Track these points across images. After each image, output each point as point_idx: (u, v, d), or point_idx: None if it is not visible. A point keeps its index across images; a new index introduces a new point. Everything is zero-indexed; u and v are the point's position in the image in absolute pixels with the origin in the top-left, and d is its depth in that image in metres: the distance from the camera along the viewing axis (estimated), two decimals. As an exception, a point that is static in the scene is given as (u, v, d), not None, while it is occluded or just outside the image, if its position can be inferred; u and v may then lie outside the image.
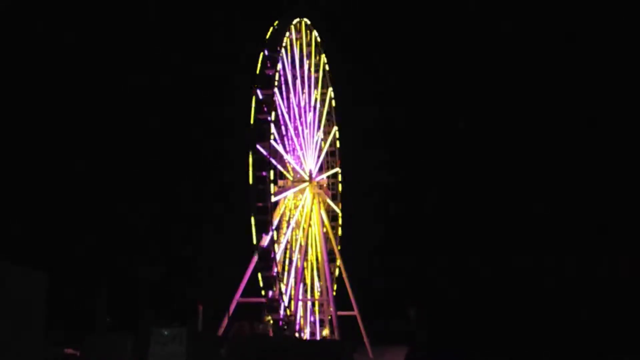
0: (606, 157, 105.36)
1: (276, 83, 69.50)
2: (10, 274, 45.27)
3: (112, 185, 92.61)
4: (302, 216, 76.56)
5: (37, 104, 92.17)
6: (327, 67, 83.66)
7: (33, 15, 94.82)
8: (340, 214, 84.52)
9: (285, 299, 68.49)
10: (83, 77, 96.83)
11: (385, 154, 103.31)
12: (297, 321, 73.14)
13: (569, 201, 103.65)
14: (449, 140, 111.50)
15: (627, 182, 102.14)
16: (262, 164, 67.20)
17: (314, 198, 78.22)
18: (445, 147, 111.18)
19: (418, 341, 77.31)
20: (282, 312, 67.01)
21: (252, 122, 68.01)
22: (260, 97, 68.46)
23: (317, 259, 78.87)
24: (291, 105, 75.90)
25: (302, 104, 78.22)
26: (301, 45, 78.37)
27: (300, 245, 75.19)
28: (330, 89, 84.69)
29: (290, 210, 75.56)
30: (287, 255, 74.14)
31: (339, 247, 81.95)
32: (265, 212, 66.26)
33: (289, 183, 74.91)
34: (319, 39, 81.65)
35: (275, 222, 69.04)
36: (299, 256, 74.66)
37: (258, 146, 67.24)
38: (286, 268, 73.29)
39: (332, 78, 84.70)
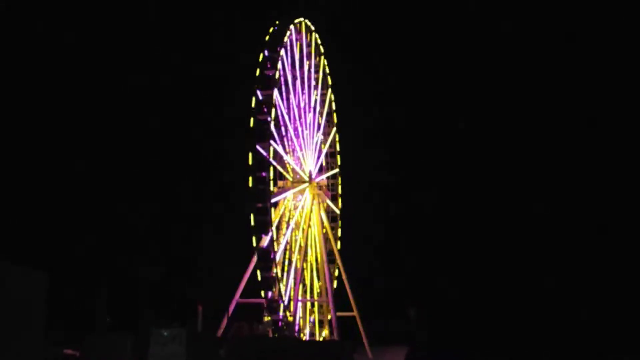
0: (606, 157, 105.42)
1: (276, 84, 69.52)
2: (10, 274, 45.36)
3: (112, 185, 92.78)
4: (302, 217, 76.59)
5: (37, 104, 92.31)
6: (327, 68, 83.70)
7: (33, 15, 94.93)
8: (339, 215, 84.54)
9: (285, 299, 68.53)
10: (83, 77, 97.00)
11: (385, 154, 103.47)
12: (297, 322, 73.22)
13: (569, 201, 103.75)
14: (449, 141, 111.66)
15: (627, 181, 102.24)
16: (262, 164, 67.21)
17: (313, 199, 78.25)
18: (445, 147, 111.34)
19: (418, 341, 77.33)
20: (281, 312, 67.02)
21: (252, 122, 68.05)
22: (260, 97, 68.46)
23: (316, 260, 78.92)
24: (291, 106, 75.90)
25: (302, 104, 78.23)
26: (301, 46, 78.38)
27: (300, 246, 75.23)
28: (330, 90, 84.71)
29: (289, 210, 75.59)
30: (287, 256, 74.19)
31: (339, 248, 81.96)
32: (265, 213, 66.23)
33: (289, 184, 74.93)
34: (319, 40, 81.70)
35: (274, 223, 69.03)
36: (298, 257, 74.70)
37: (258, 147, 67.26)
38: (286, 269, 73.33)
39: (332, 79, 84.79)
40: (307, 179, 77.44)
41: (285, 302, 68.38)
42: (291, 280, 72.90)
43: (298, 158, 76.95)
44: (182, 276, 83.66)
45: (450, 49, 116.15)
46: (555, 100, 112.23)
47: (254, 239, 66.44)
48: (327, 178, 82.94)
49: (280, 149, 71.86)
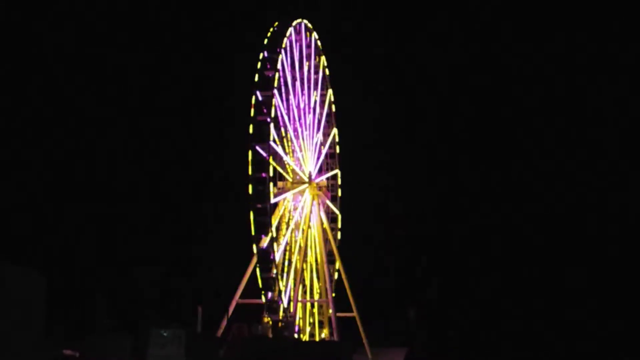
0: (606, 158, 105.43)
1: (275, 84, 69.57)
2: (10, 274, 45.43)
3: (112, 185, 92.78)
4: (302, 217, 76.65)
5: (37, 105, 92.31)
6: (326, 69, 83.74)
7: (33, 15, 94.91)
8: (339, 216, 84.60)
9: (285, 300, 68.58)
10: (83, 77, 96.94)
11: (385, 155, 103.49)
12: (296, 322, 73.28)
13: (569, 201, 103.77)
14: (449, 141, 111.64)
15: (627, 183, 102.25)
16: (262, 165, 67.31)
17: (313, 199, 78.31)
18: (445, 147, 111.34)
19: (417, 342, 77.42)
20: (281, 313, 67.08)
21: (251, 123, 68.12)
22: (260, 98, 68.55)
23: (316, 261, 78.97)
24: (291, 106, 75.96)
25: (302, 105, 78.29)
26: (301, 46, 78.42)
27: (300, 246, 75.29)
28: (330, 90, 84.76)
29: (289, 211, 75.65)
30: (287, 257, 74.24)
31: (339, 249, 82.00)
32: (265, 214, 66.35)
33: (289, 184, 74.94)
34: (318, 41, 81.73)
35: (274, 224, 69.08)
36: (298, 257, 74.76)
37: (257, 147, 67.34)
38: (285, 269, 73.38)
39: (332, 79, 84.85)
40: (306, 179, 77.50)
41: (285, 303, 68.43)
42: (291, 281, 72.97)
43: (298, 159, 77.00)
44: (182, 276, 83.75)
45: (450, 48, 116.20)
46: (553, 100, 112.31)
47: (253, 239, 66.55)
48: (327, 179, 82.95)
49: (280, 150, 71.91)
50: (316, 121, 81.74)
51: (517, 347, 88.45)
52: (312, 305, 79.57)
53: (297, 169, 76.56)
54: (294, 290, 72.53)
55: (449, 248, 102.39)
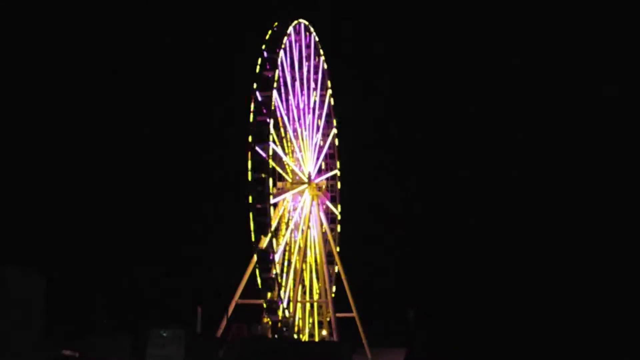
0: (606, 158, 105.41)
1: (275, 85, 69.59)
2: (10, 274, 45.54)
3: (112, 186, 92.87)
4: (301, 218, 76.68)
5: (37, 105, 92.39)
6: (326, 70, 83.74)
7: (33, 15, 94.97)
8: (339, 216, 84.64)
9: (284, 300, 68.62)
10: (83, 77, 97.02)
11: (384, 155, 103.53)
12: (296, 323, 73.33)
13: (569, 201, 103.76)
14: (449, 141, 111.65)
15: (627, 183, 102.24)
16: (261, 165, 67.35)
17: (312, 200, 78.33)
18: (445, 147, 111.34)
19: (417, 343, 77.42)
20: (280, 313, 67.11)
21: (251, 123, 68.14)
22: (259, 98, 68.58)
23: (315, 261, 79.01)
24: (290, 107, 75.98)
25: (301, 105, 78.31)
26: (300, 47, 78.43)
27: (299, 247, 75.32)
28: (330, 91, 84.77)
29: (289, 212, 75.67)
30: (286, 257, 74.28)
31: (338, 249, 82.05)
32: (264, 214, 66.38)
33: (288, 185, 74.95)
34: (318, 41, 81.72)
35: (274, 224, 69.11)
36: (297, 258, 74.77)
37: (257, 148, 67.37)
38: (285, 270, 73.42)
39: (331, 80, 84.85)
40: (306, 180, 77.51)
41: (285, 303, 68.47)
42: (290, 281, 73.01)
43: (297, 159, 77.02)
44: (182, 276, 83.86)
45: (450, 48, 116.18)
46: (554, 100, 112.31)
47: (253, 240, 66.59)
48: (327, 179, 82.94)
49: (279, 150, 71.93)
50: (316, 121, 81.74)
51: (517, 347, 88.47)
52: (312, 306, 79.56)
53: (296, 170, 76.58)
54: (293, 291, 72.57)
55: (448, 248, 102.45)
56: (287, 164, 74.98)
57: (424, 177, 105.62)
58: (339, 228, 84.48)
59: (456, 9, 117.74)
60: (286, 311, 68.22)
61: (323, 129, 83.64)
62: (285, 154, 74.46)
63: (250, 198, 66.04)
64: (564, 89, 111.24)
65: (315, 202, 78.61)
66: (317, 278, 79.13)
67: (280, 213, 73.04)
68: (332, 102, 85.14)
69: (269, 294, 66.36)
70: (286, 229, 74.07)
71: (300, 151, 77.45)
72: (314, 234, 78.63)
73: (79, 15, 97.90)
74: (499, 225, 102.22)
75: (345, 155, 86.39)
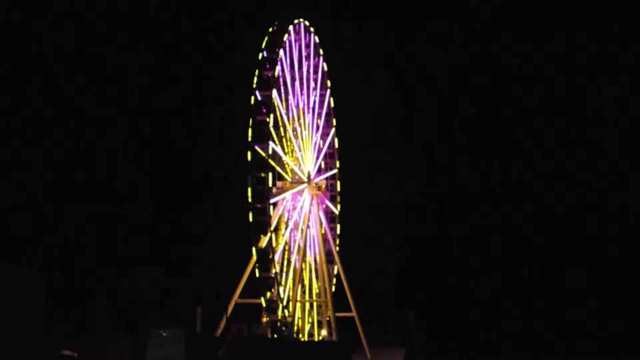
0: (606, 158, 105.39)
1: (275, 84, 69.58)
2: (10, 274, 45.58)
3: (112, 186, 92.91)
4: (301, 217, 76.69)
5: (37, 105, 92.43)
6: (325, 69, 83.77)
7: (33, 15, 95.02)
8: (338, 215, 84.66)
9: (284, 300, 68.61)
10: (83, 77, 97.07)
11: (384, 155, 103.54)
12: (295, 322, 73.31)
13: (569, 201, 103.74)
14: (449, 141, 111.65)
15: (627, 183, 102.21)
16: (261, 165, 67.35)
17: (312, 199, 78.34)
18: (445, 147, 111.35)
19: (416, 343, 77.38)
20: (280, 313, 67.10)
21: (250, 123, 68.15)
22: (259, 98, 68.59)
23: (315, 260, 79.01)
24: (290, 106, 75.98)
25: (301, 105, 78.33)
26: (300, 46, 78.46)
27: (299, 246, 75.31)
28: (329, 90, 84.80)
29: (288, 211, 75.68)
30: (286, 257, 74.27)
31: (338, 249, 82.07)
32: (264, 214, 66.38)
33: (288, 184, 74.96)
34: (318, 40, 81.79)
35: (273, 224, 69.09)
36: (297, 257, 74.76)
37: (257, 147, 67.37)
38: (284, 269, 73.42)
39: (331, 79, 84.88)
40: (306, 179, 77.52)
41: (284, 303, 68.45)
42: (290, 281, 73.01)
43: (297, 159, 77.02)
44: (181, 276, 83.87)
45: (450, 48, 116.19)
46: (554, 100, 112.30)
47: (252, 239, 66.61)
48: (326, 178, 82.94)
49: (279, 150, 71.94)
50: (315, 121, 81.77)
51: (517, 347, 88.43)
52: (311, 305, 79.55)
53: (296, 169, 76.57)
54: (293, 290, 72.57)
55: (448, 248, 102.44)
56: (287, 164, 74.98)
57: (424, 177, 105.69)
58: (338, 227, 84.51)
59: (456, 9, 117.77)
60: (286, 311, 68.19)
61: (323, 128, 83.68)
62: (285, 154, 74.44)
63: (249, 198, 66.03)
64: (564, 89, 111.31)
65: (314, 202, 78.61)
66: (317, 277, 79.14)
67: (279, 212, 73.01)
68: (332, 102, 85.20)
69: (268, 294, 66.35)
70: (286, 228, 74.05)
71: (300, 150, 77.44)
72: (314, 233, 78.62)
73: (79, 15, 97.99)
74: (499, 225, 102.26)
75: (345, 155, 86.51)
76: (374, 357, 76.35)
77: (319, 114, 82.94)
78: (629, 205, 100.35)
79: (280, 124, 73.31)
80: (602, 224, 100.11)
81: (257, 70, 69.17)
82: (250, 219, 65.94)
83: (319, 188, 79.31)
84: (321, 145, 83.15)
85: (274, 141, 69.56)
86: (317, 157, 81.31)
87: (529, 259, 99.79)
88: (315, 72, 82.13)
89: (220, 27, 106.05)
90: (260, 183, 66.59)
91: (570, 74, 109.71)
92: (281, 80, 72.84)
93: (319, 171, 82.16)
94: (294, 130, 76.57)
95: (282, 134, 74.50)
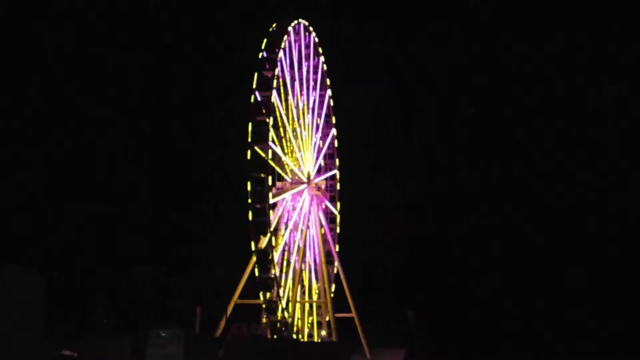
0: (606, 158, 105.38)
1: (274, 85, 69.62)
2: (10, 274, 45.63)
3: (112, 186, 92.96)
4: (300, 218, 76.72)
5: (37, 105, 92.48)
6: (325, 69, 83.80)
7: (33, 15, 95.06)
8: (338, 216, 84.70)
9: (283, 300, 68.65)
10: (83, 77, 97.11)
11: (384, 155, 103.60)
12: (295, 323, 73.34)
13: (569, 201, 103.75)
14: (449, 141, 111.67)
15: (627, 183, 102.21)
16: (261, 165, 67.38)
17: (312, 200, 78.37)
18: (445, 147, 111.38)
19: (416, 343, 77.41)
20: (280, 313, 67.14)
21: (250, 123, 68.19)
22: (259, 98, 68.59)
23: (315, 261, 79.04)
24: (289, 107, 75.99)
25: (301, 105, 78.35)
26: (300, 47, 78.48)
27: (298, 247, 75.34)
28: (329, 91, 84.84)
29: (288, 212, 75.70)
30: (285, 257, 74.32)
31: (337, 249, 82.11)
32: (264, 214, 66.41)
33: (287, 185, 75.00)
34: (317, 41, 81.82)
35: (273, 224, 69.12)
36: (297, 258, 74.80)
37: (256, 148, 67.39)
38: (284, 270, 73.47)
39: (331, 80, 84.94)
40: (305, 180, 77.55)
41: (284, 304, 68.49)
42: (289, 282, 73.05)
43: (297, 159, 77.04)
44: (180, 277, 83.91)
45: (450, 48, 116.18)
46: (554, 100, 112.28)
47: (252, 240, 66.64)
48: (326, 179, 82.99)
49: (278, 150, 71.97)
50: (315, 121, 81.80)
51: (517, 347, 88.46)
52: (311, 306, 79.58)
53: (295, 170, 76.59)
54: (292, 291, 72.61)
55: (448, 248, 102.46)
56: (287, 164, 75.01)
57: (424, 177, 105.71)
58: (338, 228, 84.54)
59: (456, 9, 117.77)
60: (285, 311, 68.24)
61: (322, 128, 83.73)
62: (285, 154, 74.46)
63: (249, 198, 66.08)
64: (564, 89, 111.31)
65: (314, 202, 78.64)
66: (316, 278, 79.19)
67: (279, 213, 73.04)
68: (332, 102, 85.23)
69: (268, 294, 66.40)
70: (285, 229, 74.08)
71: (300, 151, 77.46)
72: (313, 233, 78.66)
73: (79, 15, 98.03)
74: (499, 225, 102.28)
75: (345, 155, 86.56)
76: (374, 358, 76.38)
77: (319, 114, 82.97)
78: (629, 205, 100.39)
79: (280, 124, 73.32)
80: (602, 224, 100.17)
81: (256, 71, 69.16)
82: (250, 220, 65.98)
83: (319, 188, 79.35)
84: (321, 146, 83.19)
85: (273, 142, 69.56)
86: (317, 158, 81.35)
87: (529, 259, 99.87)
88: (315, 73, 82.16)
89: (220, 27, 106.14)
90: (260, 184, 66.62)
91: (570, 74, 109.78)
92: (281, 80, 72.84)
93: (319, 172, 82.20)
94: (294, 130, 76.58)
95: (282, 134, 74.51)
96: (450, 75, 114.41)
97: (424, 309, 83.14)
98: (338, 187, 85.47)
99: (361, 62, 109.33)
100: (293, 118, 76.58)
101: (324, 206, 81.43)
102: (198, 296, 72.26)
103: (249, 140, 67.27)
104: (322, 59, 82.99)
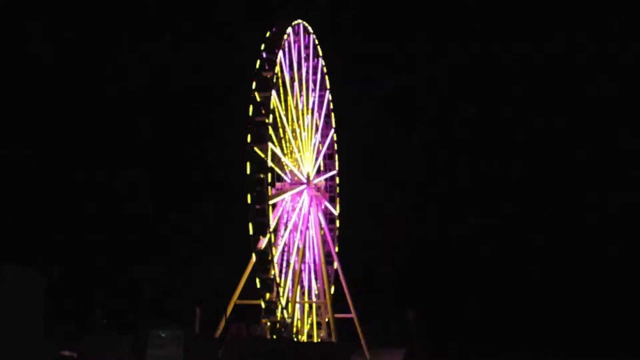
0: (605, 159, 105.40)
1: (274, 85, 69.62)
2: (9, 274, 45.69)
3: (112, 185, 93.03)
4: (300, 218, 76.75)
5: (37, 105, 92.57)
6: (325, 69, 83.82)
7: (33, 15, 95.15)
8: (338, 217, 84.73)
9: (283, 301, 68.69)
10: (83, 77, 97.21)
11: (383, 156, 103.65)
12: (295, 323, 73.38)
13: (569, 201, 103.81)
14: (449, 141, 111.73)
15: (627, 183, 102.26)
16: (260, 166, 67.39)
17: (311, 200, 78.40)
18: (445, 147, 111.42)
19: (416, 343, 77.43)
20: (279, 314, 67.18)
21: (249, 124, 68.21)
22: (258, 99, 68.59)
23: (314, 262, 79.07)
24: (289, 107, 76.02)
25: (300, 106, 78.37)
26: (299, 47, 78.50)
27: (298, 247, 75.37)
28: (328, 91, 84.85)
29: (287, 212, 75.72)
30: (285, 258, 74.37)
31: (337, 250, 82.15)
32: (263, 215, 66.43)
33: (287, 185, 75.01)
34: (317, 42, 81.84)
35: (272, 225, 69.12)
36: (296, 258, 74.82)
37: (256, 148, 67.42)
38: (284, 270, 73.53)
39: (330, 80, 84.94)
40: (305, 180, 77.57)
41: (283, 304, 68.53)
42: (289, 282, 73.09)
43: (296, 160, 77.06)
44: (180, 277, 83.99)
45: (450, 48, 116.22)
46: (554, 100, 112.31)
47: (251, 240, 66.66)
48: (325, 180, 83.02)
49: (278, 151, 71.99)
50: (315, 122, 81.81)
51: (517, 347, 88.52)
52: (310, 306, 79.61)
53: (295, 170, 76.60)
54: (292, 291, 72.66)
55: (448, 248, 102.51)
56: (286, 165, 75.03)
57: (424, 178, 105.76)
58: (337, 228, 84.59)
59: (456, 9, 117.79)
60: (285, 312, 68.27)
61: (322, 129, 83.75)
62: (284, 155, 74.48)
63: (249, 198, 66.11)
64: (564, 89, 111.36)
65: (314, 203, 78.66)
66: (316, 278, 79.23)
67: (279, 213, 73.06)
68: (331, 103, 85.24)
69: (267, 295, 66.40)
70: (285, 229, 74.10)
71: (299, 152, 77.48)
72: (313, 234, 78.69)
73: (79, 15, 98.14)
74: (499, 225, 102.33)
75: (344, 156, 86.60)
76: (373, 358, 76.39)
77: (318, 115, 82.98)
78: (629, 206, 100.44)
79: (279, 125, 73.35)
80: (602, 224, 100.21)
81: (256, 71, 69.18)
82: (249, 220, 66.03)
83: (318, 189, 79.39)
84: (320, 146, 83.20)
85: (273, 142, 69.58)
86: (317, 158, 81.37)
87: (529, 259, 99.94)
88: (315, 73, 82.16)
89: (220, 27, 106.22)
90: (260, 184, 66.63)
91: (570, 74, 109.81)
92: (280, 81, 72.86)
93: (318, 172, 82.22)
94: (293, 131, 76.59)
95: (282, 135, 74.52)
96: (450, 75, 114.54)
97: (424, 309, 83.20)
98: (337, 187, 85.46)
99: (361, 62, 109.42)
100: (292, 119, 76.56)
101: (323, 207, 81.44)
102: (198, 296, 72.28)
103: (249, 141, 67.28)
104: (321, 59, 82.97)
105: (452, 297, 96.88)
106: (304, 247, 76.14)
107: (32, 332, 47.39)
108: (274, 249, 67.22)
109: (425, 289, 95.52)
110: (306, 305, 78.34)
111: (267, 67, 69.58)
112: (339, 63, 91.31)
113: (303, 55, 79.32)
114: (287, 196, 74.69)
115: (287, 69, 74.96)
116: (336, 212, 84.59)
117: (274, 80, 69.42)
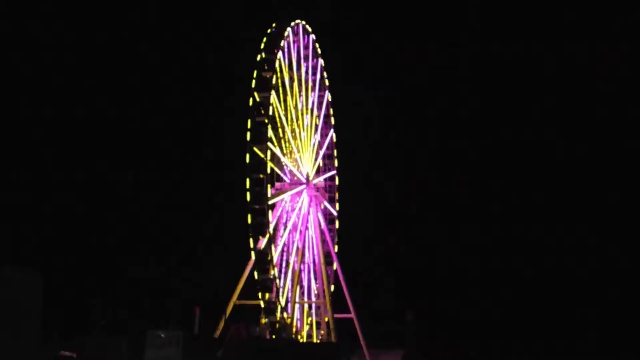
0: (605, 159, 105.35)
1: (273, 85, 69.57)
2: (8, 274, 45.69)
3: (112, 186, 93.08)
4: (299, 218, 76.69)
5: (38, 105, 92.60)
6: (324, 70, 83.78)
7: (32, 15, 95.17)
8: (337, 216, 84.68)
9: (282, 301, 68.64)
10: (83, 77, 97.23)
11: (383, 156, 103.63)
12: (294, 324, 73.33)
13: (569, 202, 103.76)
14: (449, 140, 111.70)
15: (627, 184, 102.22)
16: (259, 166, 67.34)
17: (311, 200, 78.35)
18: (445, 147, 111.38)
19: (415, 344, 77.37)
20: (278, 314, 67.13)
21: (249, 124, 68.17)
22: (258, 99, 68.54)
23: (314, 262, 79.03)
24: (288, 107, 75.98)
25: (300, 106, 78.32)
26: (299, 47, 78.45)
27: (297, 247, 75.32)
28: (328, 91, 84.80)
29: (287, 212, 75.67)
30: (284, 258, 74.32)
31: (336, 250, 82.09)
32: (262, 215, 66.38)
33: (286, 185, 74.96)
34: (316, 42, 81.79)
35: (272, 225, 69.08)
36: (295, 259, 74.79)
37: (255, 149, 67.36)
38: (283, 270, 73.47)
39: (330, 80, 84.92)
40: (304, 180, 77.53)
41: (283, 304, 68.49)
42: (288, 282, 73.03)
43: (295, 160, 77.00)
44: (179, 278, 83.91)
45: (451, 48, 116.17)
46: (554, 100, 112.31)
47: (251, 240, 66.62)
48: (325, 180, 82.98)
49: (277, 151, 71.93)
50: (314, 122, 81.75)
51: (517, 347, 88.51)
52: (310, 306, 79.57)
53: (294, 170, 76.55)
54: (291, 291, 72.59)
55: (448, 249, 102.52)
56: (285, 165, 74.97)
57: (424, 177, 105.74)
58: (336, 228, 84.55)
59: (456, 9, 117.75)
60: (284, 312, 68.22)
61: (321, 129, 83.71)
62: (284, 155, 74.42)
63: (248, 198, 66.04)
64: (564, 89, 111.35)
65: (313, 203, 78.61)
66: (315, 279, 79.18)
67: (278, 214, 73.00)
68: (331, 103, 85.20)
69: (267, 295, 66.37)
70: (284, 229, 74.04)
71: (299, 152, 77.42)
72: (312, 234, 78.64)
73: (78, 14, 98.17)
74: (499, 226, 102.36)
75: (344, 156, 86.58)
76: (373, 358, 76.37)
77: (318, 115, 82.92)
78: (629, 206, 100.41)
79: (278, 125, 73.29)
80: (602, 225, 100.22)
81: (255, 71, 69.13)
82: (249, 220, 65.96)
83: (318, 189, 79.34)
84: (320, 147, 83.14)
85: (272, 142, 69.53)
86: (316, 158, 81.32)
87: (528, 259, 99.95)
88: (314, 73, 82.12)
89: (220, 27, 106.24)
90: (259, 184, 66.58)
91: (570, 73, 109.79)
92: (280, 81, 72.81)
93: (318, 172, 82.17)
94: (293, 131, 76.53)
95: (281, 135, 74.48)
96: (451, 75, 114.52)
97: (424, 310, 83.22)
98: (337, 187, 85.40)
99: (361, 62, 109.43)
100: (292, 119, 76.52)
101: (322, 207, 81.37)
102: (197, 296, 72.23)
103: (248, 141, 67.22)
104: (320, 59, 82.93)
105: (451, 298, 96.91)
106: (304, 247, 76.07)
107: (30, 333, 47.38)
108: (273, 248, 67.15)
109: (425, 289, 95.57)
110: (305, 305, 78.27)
111: (266, 67, 69.53)
112: (339, 63, 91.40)
113: (302, 55, 79.25)
114: (286, 196, 74.65)
115: (287, 69, 74.90)
116: (335, 212, 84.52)
117: (274, 80, 69.34)
